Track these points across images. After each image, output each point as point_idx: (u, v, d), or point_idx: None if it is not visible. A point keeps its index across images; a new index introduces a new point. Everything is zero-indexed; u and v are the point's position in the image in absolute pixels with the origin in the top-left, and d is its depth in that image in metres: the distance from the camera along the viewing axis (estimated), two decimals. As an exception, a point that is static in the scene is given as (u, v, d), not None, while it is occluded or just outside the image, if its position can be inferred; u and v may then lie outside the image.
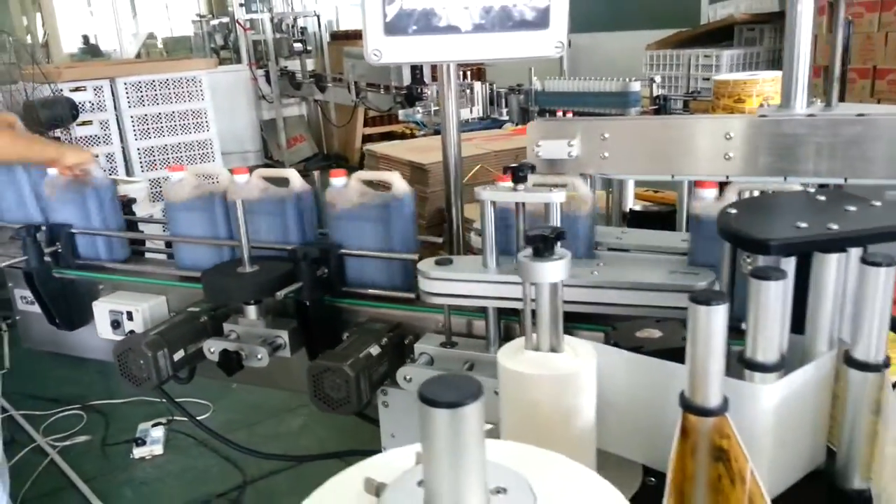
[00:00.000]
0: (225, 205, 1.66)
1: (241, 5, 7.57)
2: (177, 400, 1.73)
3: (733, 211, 0.90)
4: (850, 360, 0.81)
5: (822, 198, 0.94)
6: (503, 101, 4.64)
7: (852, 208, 0.88)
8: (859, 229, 0.81)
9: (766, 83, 3.31)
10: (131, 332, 1.69)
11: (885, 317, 0.79)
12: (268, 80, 7.17)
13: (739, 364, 0.81)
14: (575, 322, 1.31)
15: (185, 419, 1.87)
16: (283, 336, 1.54)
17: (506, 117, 4.56)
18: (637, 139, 1.32)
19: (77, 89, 4.37)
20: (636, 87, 3.96)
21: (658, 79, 4.18)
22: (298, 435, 2.82)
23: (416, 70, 5.84)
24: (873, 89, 5.32)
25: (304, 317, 1.54)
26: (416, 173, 2.75)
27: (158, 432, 2.80)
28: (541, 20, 1.11)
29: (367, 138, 6.83)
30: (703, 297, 0.70)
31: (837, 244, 0.81)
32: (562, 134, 1.36)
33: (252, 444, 2.55)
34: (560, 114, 4.29)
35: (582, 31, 8.92)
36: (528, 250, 0.86)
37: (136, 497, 2.52)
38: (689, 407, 0.74)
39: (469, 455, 0.54)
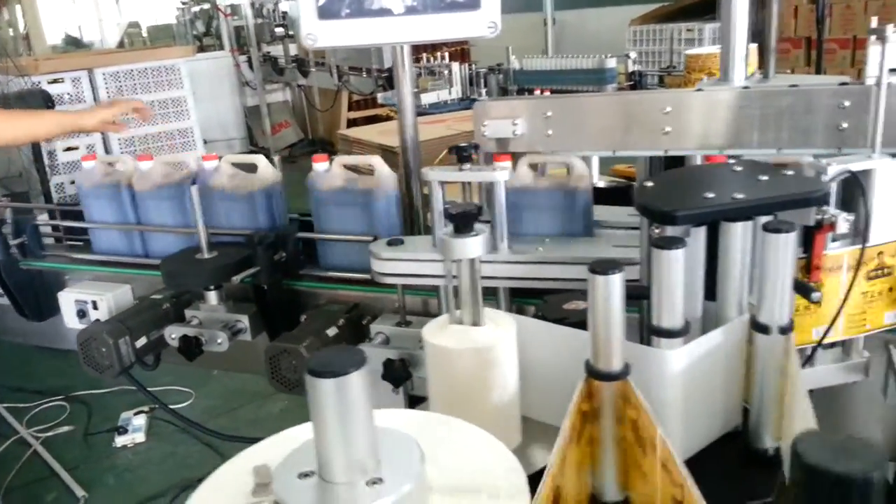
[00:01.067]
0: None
1: (221, -9, 7.53)
2: (159, 388, 1.76)
3: (650, 184, 0.93)
4: (756, 325, 0.84)
5: (739, 168, 0.96)
6: (482, 81, 4.64)
7: (764, 178, 0.91)
8: (762, 198, 0.84)
9: (737, 56, 3.32)
10: (96, 321, 1.71)
11: (787, 282, 0.81)
12: (251, 67, 7.14)
13: (647, 331, 0.84)
14: (524, 297, 1.34)
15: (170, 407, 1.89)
16: (244, 320, 1.57)
17: (486, 98, 4.56)
18: (579, 116, 1.34)
19: (55, 81, 4.37)
20: (612, 63, 3.96)
21: (633, 55, 4.18)
22: (278, 419, 2.86)
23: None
24: (853, 59, 5.32)
25: (262, 301, 1.57)
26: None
27: (140, 420, 2.84)
28: (472, 1, 1.12)
29: (352, 122, 6.83)
30: (601, 267, 0.73)
31: (741, 212, 0.83)
32: (506, 113, 1.38)
33: (233, 430, 2.60)
34: (538, 92, 4.30)
35: (567, 9, 8.89)
36: (449, 228, 0.88)
37: (119, 484, 2.56)
38: (593, 372, 0.77)
39: (355, 421, 0.57)
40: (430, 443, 0.64)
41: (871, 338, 1.16)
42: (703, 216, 0.83)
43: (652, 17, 6.70)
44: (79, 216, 1.84)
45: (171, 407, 1.91)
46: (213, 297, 1.58)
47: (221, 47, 7.31)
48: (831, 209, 1.00)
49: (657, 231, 0.85)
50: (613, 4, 7.83)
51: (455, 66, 4.54)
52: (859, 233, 1.07)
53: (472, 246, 0.86)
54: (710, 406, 0.88)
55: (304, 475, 0.59)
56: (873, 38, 1.07)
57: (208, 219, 1.56)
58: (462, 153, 1.34)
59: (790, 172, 0.92)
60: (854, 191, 1.04)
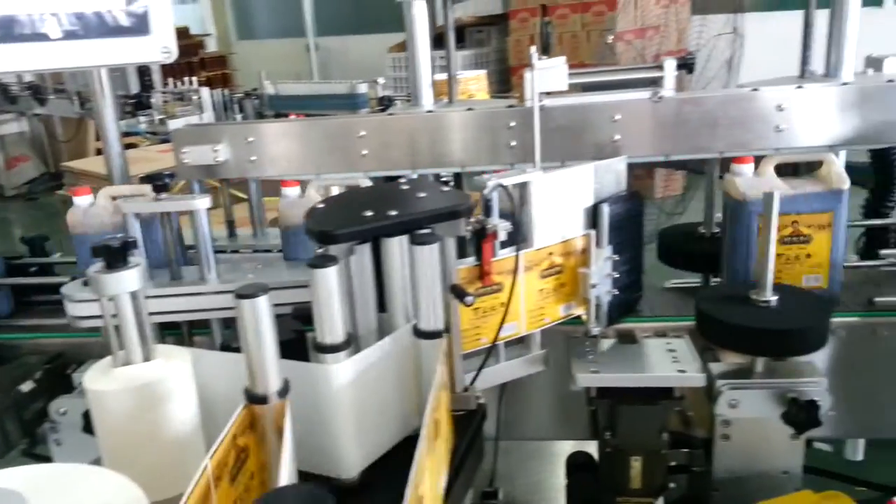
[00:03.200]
0: None
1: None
2: None
3: (321, 206, 0.96)
4: (416, 331, 0.90)
5: (406, 187, 1.03)
6: (237, 106, 4.52)
7: (423, 195, 0.98)
8: (413, 213, 0.90)
9: (470, 81, 3.59)
10: None
11: (437, 289, 0.88)
12: (-27, 95, 6.29)
13: (315, 350, 0.86)
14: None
15: None
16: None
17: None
18: (280, 141, 1.35)
19: None
20: (363, 88, 4.07)
21: (381, 80, 4.33)
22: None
23: (145, 76, 5.49)
24: (581, 83, 5.99)
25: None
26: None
27: None
28: (140, 26, 1.08)
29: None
30: (247, 292, 0.74)
31: (394, 228, 0.89)
32: (206, 139, 1.36)
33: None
34: (293, 116, 4.29)
35: (330, 35, 9.00)
36: (99, 264, 0.84)
37: None
38: (252, 397, 0.77)
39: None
40: (49, 495, 0.60)
41: (549, 331, 1.30)
42: (358, 234, 0.87)
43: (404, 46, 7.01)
44: None
45: None
46: None
47: (-66, 73, 6.37)
48: (494, 219, 1.11)
49: (320, 251, 0.88)
50: (373, 32, 8.06)
51: (205, 91, 4.38)
52: (527, 238, 1.20)
53: (127, 280, 0.83)
54: (386, 413, 0.92)
55: None
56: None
57: None
58: (157, 182, 1.29)
59: (446, 189, 1.00)
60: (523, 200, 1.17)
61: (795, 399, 1.15)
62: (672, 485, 1.30)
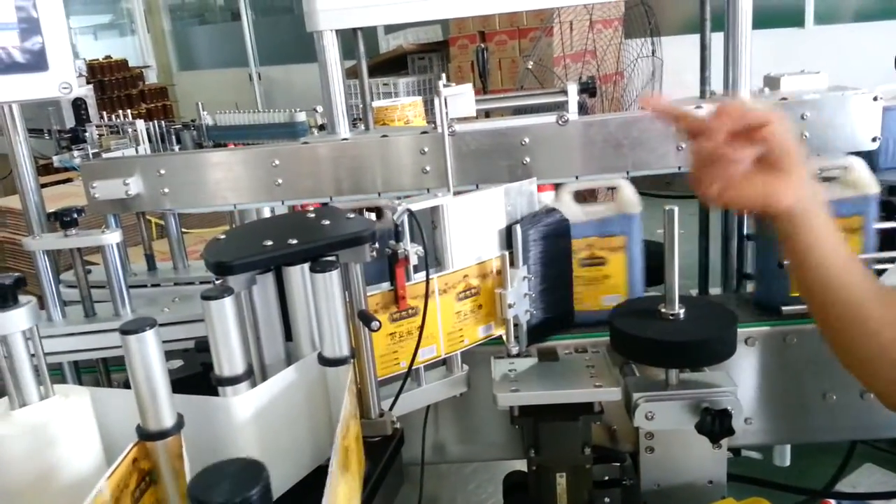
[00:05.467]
0: None
1: None
2: None
3: (221, 237, 0.95)
4: (321, 359, 0.90)
5: (312, 216, 1.03)
6: (174, 137, 4.47)
7: (327, 222, 0.98)
8: (312, 241, 0.90)
9: (407, 108, 3.62)
10: None
11: (339, 316, 0.88)
12: None
13: (215, 382, 0.85)
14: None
15: None
16: None
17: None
18: (191, 173, 1.34)
19: None
20: (302, 117, 4.07)
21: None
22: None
23: (81, 110, 5.39)
24: (521, 107, 6.10)
25: None
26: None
27: None
28: (37, 63, 1.07)
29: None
30: (133, 326, 0.73)
31: (294, 257, 0.89)
32: (117, 173, 1.34)
33: None
34: (232, 146, 4.26)
35: (273, 64, 8.99)
36: (-14, 302, 0.81)
37: None
38: (144, 435, 0.76)
39: None
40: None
41: (479, 352, 1.31)
42: (255, 263, 0.87)
43: (352, 72, 7.06)
44: None
45: None
46: None
47: None
48: (406, 244, 1.12)
49: (219, 282, 0.87)
50: (315, 61, 8.07)
51: (140, 123, 4.32)
52: (441, 261, 1.21)
53: (16, 319, 0.81)
54: (296, 443, 0.91)
55: None
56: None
57: None
58: (64, 218, 1.27)
59: (352, 216, 1.00)
60: (437, 224, 1.18)
61: (708, 409, 1.17)
62: (607, 500, 1.32)
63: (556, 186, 1.34)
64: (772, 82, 1.42)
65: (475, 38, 6.30)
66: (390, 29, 7.37)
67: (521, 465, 1.43)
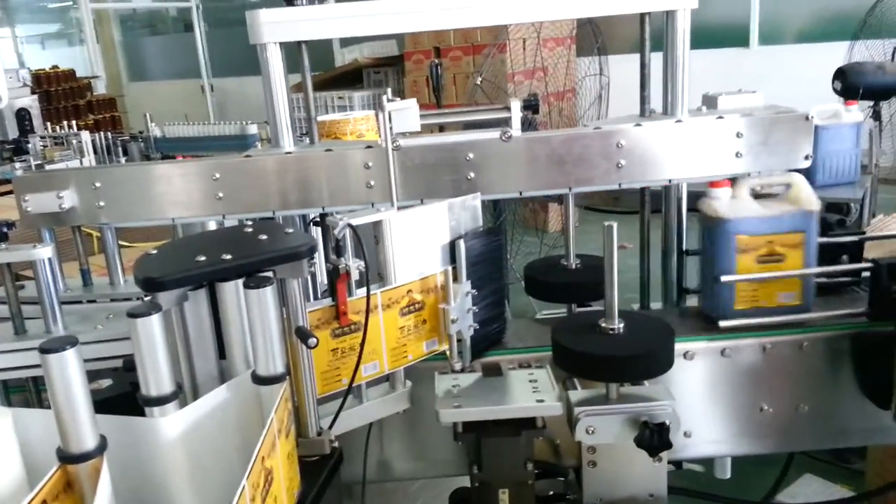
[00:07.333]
0: None
1: None
2: None
3: (153, 252, 0.93)
4: (255, 377, 0.88)
5: (249, 230, 1.01)
6: (121, 149, 4.37)
7: (265, 237, 0.96)
8: (245, 257, 0.89)
9: (359, 122, 3.61)
10: None
11: (273, 333, 0.87)
12: None
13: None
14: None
15: None
16: None
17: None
18: (129, 186, 1.31)
19: None
20: (253, 129, 4.02)
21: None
22: None
23: (25, 120, 5.25)
24: (476, 122, 6.15)
25: None
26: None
27: None
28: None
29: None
30: (52, 346, 0.70)
31: (227, 272, 0.87)
32: (51, 186, 1.30)
33: None
34: (180, 159, 4.19)
35: (226, 76, 8.89)
36: None
37: None
38: (65, 458, 0.73)
39: None
40: None
41: (423, 368, 1.30)
42: (186, 279, 0.85)
43: (300, 86, 7.01)
44: None
45: None
46: None
47: None
48: (348, 259, 1.11)
49: (148, 298, 0.85)
50: (270, 72, 8.00)
51: (85, 134, 4.21)
52: (385, 277, 1.20)
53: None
54: (229, 464, 0.89)
55: None
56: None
57: None
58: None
59: (290, 231, 0.99)
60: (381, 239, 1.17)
61: (647, 423, 1.19)
62: (552, 513, 1.32)
63: (733, 182, 1.33)
64: (710, 101, 1.45)
65: (430, 54, 6.34)
66: (346, 42, 7.36)
67: (467, 481, 1.43)
